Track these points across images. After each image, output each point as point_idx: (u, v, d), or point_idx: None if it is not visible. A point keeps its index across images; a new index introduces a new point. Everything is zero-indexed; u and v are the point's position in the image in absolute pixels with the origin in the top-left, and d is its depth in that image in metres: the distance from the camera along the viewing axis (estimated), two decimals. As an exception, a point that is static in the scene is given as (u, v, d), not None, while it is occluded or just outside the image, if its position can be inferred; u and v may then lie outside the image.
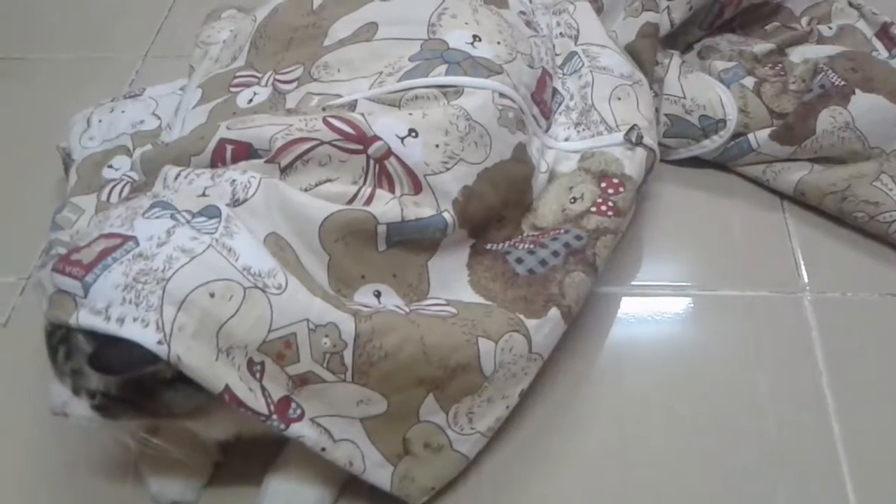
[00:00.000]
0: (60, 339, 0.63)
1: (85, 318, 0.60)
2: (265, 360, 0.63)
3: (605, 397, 0.78)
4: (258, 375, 0.63)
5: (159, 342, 0.59)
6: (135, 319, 0.59)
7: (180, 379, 0.61)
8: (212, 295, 0.61)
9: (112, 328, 0.59)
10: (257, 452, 0.71)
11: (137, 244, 0.63)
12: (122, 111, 0.97)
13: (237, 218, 0.67)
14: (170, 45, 1.19)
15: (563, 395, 0.78)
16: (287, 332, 0.63)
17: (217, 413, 0.65)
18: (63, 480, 0.74)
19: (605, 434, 0.76)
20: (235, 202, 0.69)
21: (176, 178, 0.72)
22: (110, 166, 0.91)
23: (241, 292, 0.62)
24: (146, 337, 0.59)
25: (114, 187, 0.88)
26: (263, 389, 0.63)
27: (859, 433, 0.75)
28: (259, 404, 0.63)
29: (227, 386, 0.61)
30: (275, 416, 0.64)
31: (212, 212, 0.67)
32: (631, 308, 0.86)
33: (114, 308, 0.60)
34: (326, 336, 0.64)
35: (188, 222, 0.66)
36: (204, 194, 0.70)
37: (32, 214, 0.95)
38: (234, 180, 0.70)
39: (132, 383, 0.62)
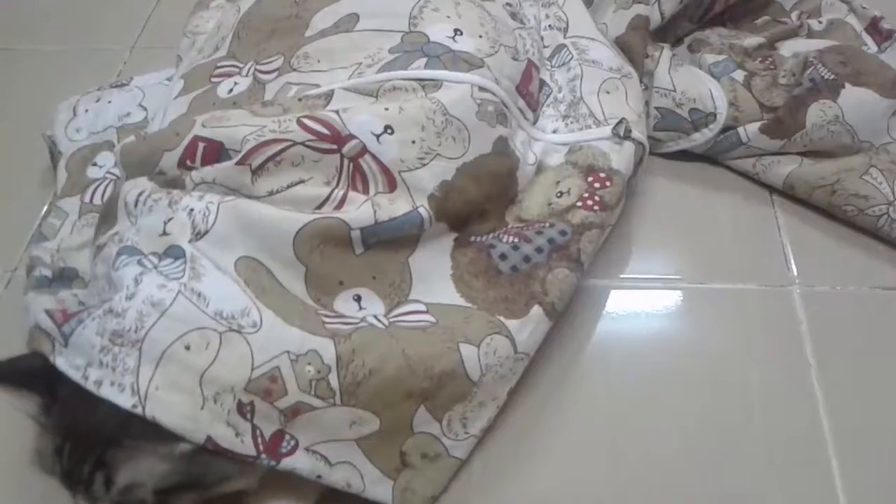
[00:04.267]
0: (92, 467, 0.62)
1: (63, 365, 0.64)
2: (254, 400, 0.63)
3: (593, 391, 0.78)
4: (249, 416, 0.63)
5: (133, 406, 0.60)
6: (112, 384, 0.62)
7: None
8: (187, 348, 0.62)
9: (90, 388, 0.62)
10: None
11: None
12: (109, 101, 0.97)
13: (202, 256, 0.68)
14: (158, 35, 1.19)
15: (551, 389, 0.78)
16: (270, 367, 0.64)
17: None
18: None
19: (593, 429, 0.75)
20: (197, 235, 0.69)
21: (136, 203, 0.72)
22: (95, 164, 0.91)
23: (217, 338, 0.63)
24: (121, 401, 0.61)
25: (97, 188, 0.88)
26: (255, 428, 0.63)
27: (849, 426, 0.74)
28: (247, 447, 0.63)
29: (208, 437, 0.61)
30: (263, 456, 0.64)
31: (176, 252, 0.68)
32: (620, 301, 0.85)
33: (92, 370, 0.62)
34: (309, 364, 0.65)
35: (155, 268, 0.67)
36: (165, 232, 0.70)
37: (18, 206, 0.95)
38: (191, 209, 0.70)
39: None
